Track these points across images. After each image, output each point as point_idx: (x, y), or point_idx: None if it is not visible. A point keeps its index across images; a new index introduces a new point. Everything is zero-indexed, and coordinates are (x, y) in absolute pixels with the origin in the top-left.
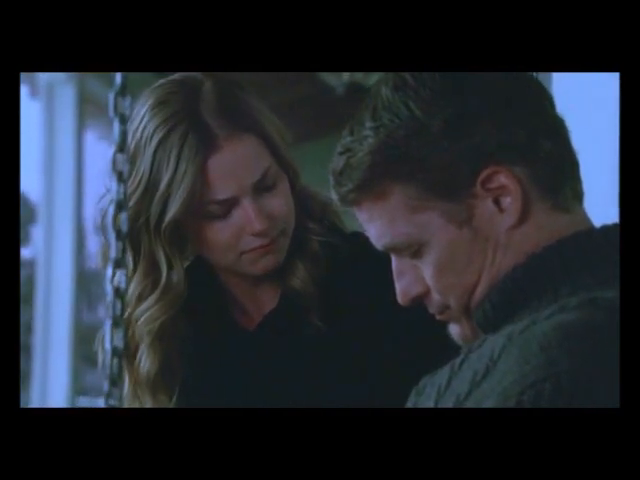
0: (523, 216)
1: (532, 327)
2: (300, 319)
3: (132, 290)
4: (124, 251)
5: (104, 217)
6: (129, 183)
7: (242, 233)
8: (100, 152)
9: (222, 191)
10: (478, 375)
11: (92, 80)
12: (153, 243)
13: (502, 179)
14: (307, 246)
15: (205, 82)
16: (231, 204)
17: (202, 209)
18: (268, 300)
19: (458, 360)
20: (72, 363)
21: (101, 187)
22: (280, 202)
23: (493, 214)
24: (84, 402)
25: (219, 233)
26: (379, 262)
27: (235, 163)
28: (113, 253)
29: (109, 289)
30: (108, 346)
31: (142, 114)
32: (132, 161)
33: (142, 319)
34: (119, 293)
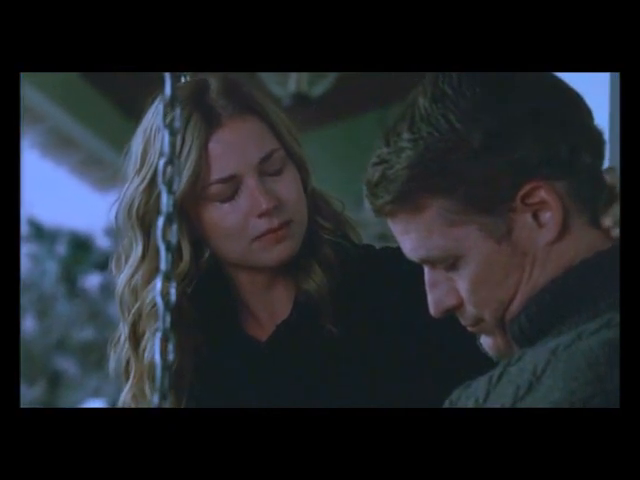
0: (562, 231)
1: (578, 342)
2: (312, 326)
3: (141, 275)
4: (173, 263)
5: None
6: (140, 176)
7: (249, 217)
8: (33, 160)
9: (226, 168)
10: (521, 390)
11: (28, 87)
12: None
13: (543, 194)
14: (321, 250)
15: (213, 79)
16: (236, 185)
17: (208, 191)
18: (281, 308)
19: (496, 373)
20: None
21: (37, 195)
22: (287, 187)
23: (532, 229)
24: None
25: (227, 218)
26: (395, 274)
27: (238, 140)
28: (163, 265)
29: (159, 301)
30: (158, 359)
31: (152, 111)
32: (143, 157)
33: (148, 300)
34: (169, 306)
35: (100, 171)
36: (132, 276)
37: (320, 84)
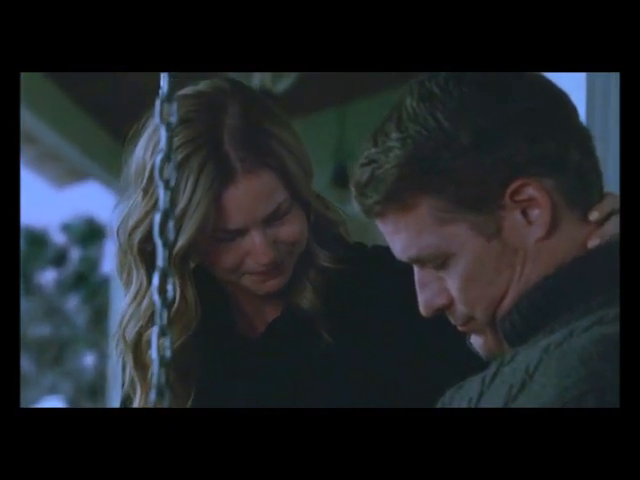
0: (552, 228)
1: (570, 340)
2: (305, 329)
3: (145, 306)
4: (170, 259)
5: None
6: (145, 201)
7: (246, 257)
8: None
9: (233, 222)
10: (514, 389)
11: None
12: None
13: (531, 191)
14: (314, 262)
15: (232, 103)
16: (240, 232)
17: (211, 234)
18: (272, 310)
19: (489, 373)
20: None
21: None
22: (290, 230)
23: (522, 226)
24: None
25: (224, 255)
26: (386, 273)
27: (250, 199)
28: (160, 262)
29: (156, 298)
30: (155, 355)
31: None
32: (151, 176)
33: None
34: (166, 302)
35: (56, 166)
36: (137, 308)
37: (283, 81)
